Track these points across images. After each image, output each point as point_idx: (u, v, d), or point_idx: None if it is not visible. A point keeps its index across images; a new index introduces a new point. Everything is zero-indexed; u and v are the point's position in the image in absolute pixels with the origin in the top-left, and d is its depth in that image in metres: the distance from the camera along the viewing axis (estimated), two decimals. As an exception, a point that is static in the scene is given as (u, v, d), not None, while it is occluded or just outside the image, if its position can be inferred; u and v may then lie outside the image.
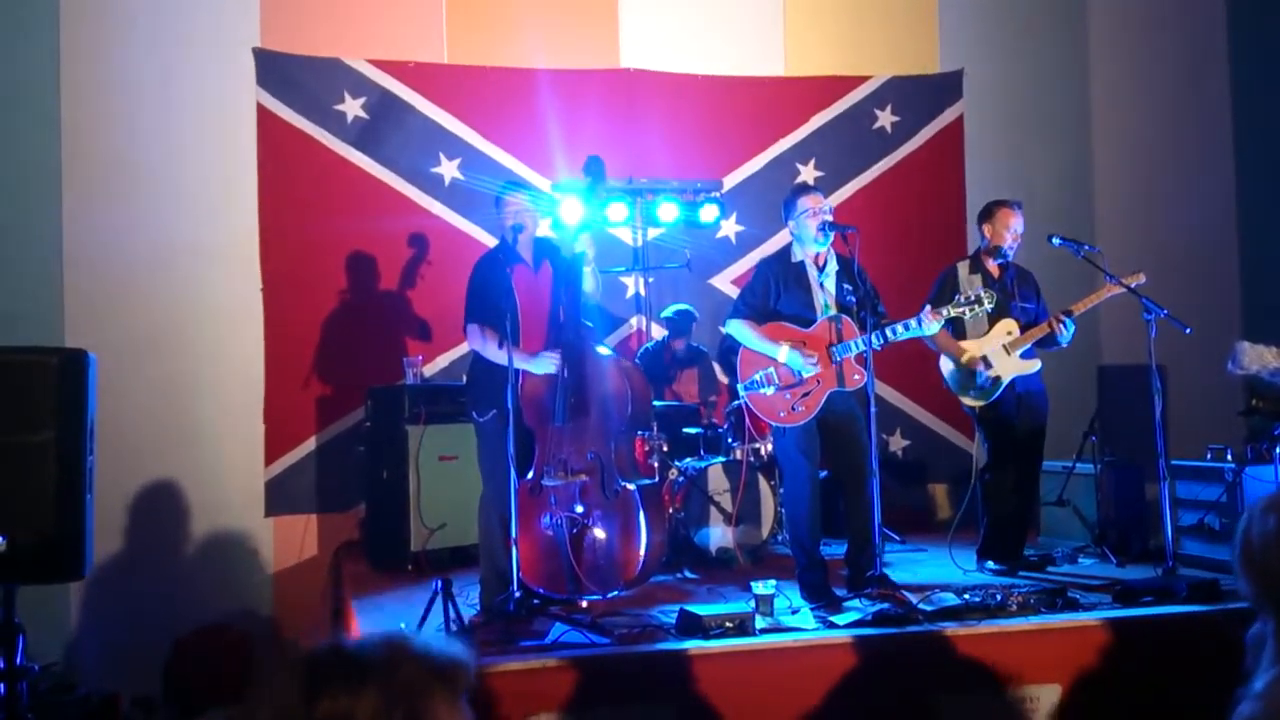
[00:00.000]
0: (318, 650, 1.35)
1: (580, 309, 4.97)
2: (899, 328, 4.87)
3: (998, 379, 5.40)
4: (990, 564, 5.43)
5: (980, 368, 5.38)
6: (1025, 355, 5.45)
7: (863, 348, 4.80)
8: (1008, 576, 5.24)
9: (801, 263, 5.04)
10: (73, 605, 6.05)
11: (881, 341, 4.83)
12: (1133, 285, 5.31)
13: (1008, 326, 5.44)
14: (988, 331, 5.45)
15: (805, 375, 4.87)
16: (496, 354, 4.77)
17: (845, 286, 5.01)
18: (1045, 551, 5.76)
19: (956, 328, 5.44)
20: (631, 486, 4.91)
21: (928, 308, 4.93)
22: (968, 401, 5.49)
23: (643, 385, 5.16)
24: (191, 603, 6.25)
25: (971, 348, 5.43)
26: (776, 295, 5.02)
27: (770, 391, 4.95)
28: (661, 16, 7.46)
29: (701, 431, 6.34)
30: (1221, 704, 4.18)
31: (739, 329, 5.05)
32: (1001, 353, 5.41)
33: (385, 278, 6.88)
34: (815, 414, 4.88)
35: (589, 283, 5.02)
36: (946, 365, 5.52)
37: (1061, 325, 5.34)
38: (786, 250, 5.17)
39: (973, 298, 4.89)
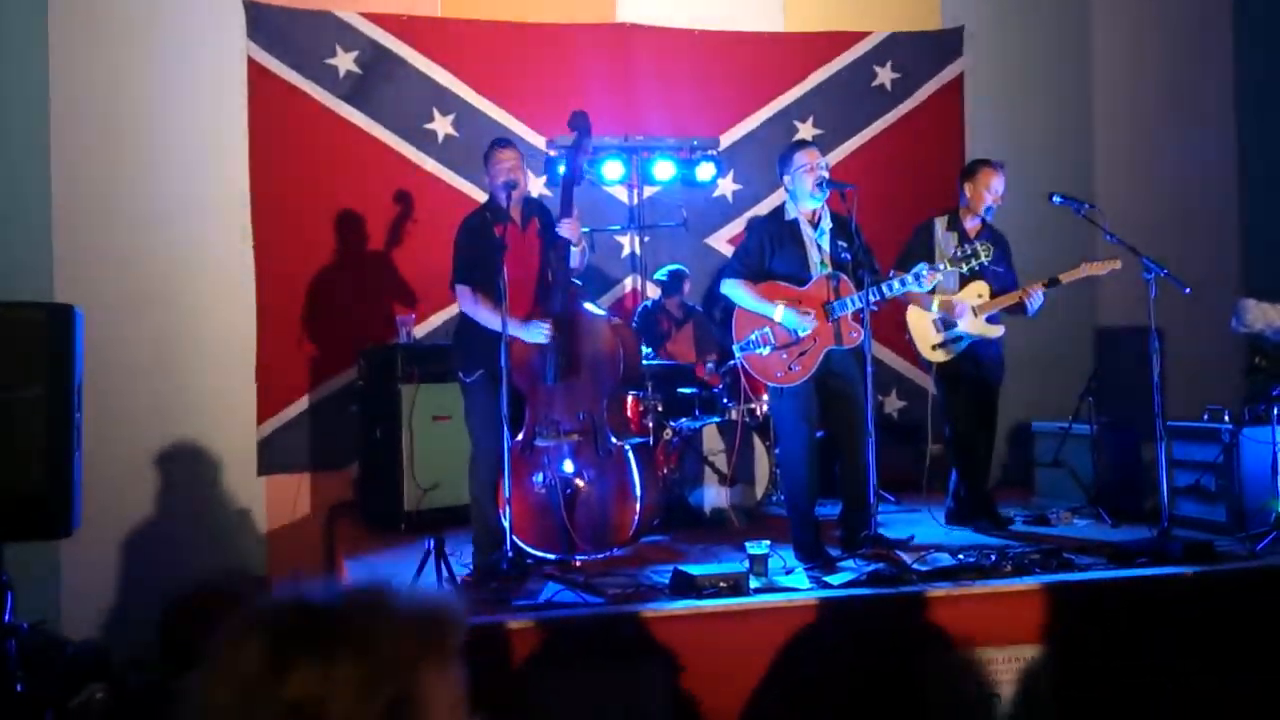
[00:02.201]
0: (281, 605, 1.13)
1: (569, 268, 4.91)
2: (895, 284, 4.83)
3: (964, 336, 5.39)
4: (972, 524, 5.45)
5: (954, 315, 5.37)
6: (990, 320, 5.45)
7: (859, 305, 4.76)
8: (996, 534, 5.28)
9: (795, 220, 4.98)
10: (62, 563, 6.03)
11: (878, 298, 4.79)
12: (1104, 272, 5.33)
13: (979, 289, 5.45)
14: (958, 291, 5.43)
15: (801, 334, 4.83)
16: (487, 316, 4.72)
17: (840, 244, 4.95)
18: (1040, 512, 5.76)
19: None
20: (625, 445, 4.88)
21: (924, 265, 4.89)
22: (932, 356, 5.49)
23: (633, 343, 5.12)
24: (183, 561, 6.24)
25: (944, 305, 5.43)
26: (771, 254, 4.96)
27: (766, 351, 4.91)
28: (659, -29, 7.35)
29: (696, 391, 6.31)
30: (1216, 664, 4.20)
31: (734, 289, 4.99)
32: (969, 312, 5.40)
33: (378, 235, 6.82)
34: (812, 373, 4.84)
35: (576, 260, 4.96)
36: (918, 318, 5.50)
37: (1030, 297, 5.31)
38: (780, 209, 5.11)
39: (969, 251, 4.86)
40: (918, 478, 5.76)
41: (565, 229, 4.89)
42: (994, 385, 5.60)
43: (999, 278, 5.51)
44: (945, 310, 5.41)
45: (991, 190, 5.46)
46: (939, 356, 5.50)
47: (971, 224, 5.54)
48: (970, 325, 5.42)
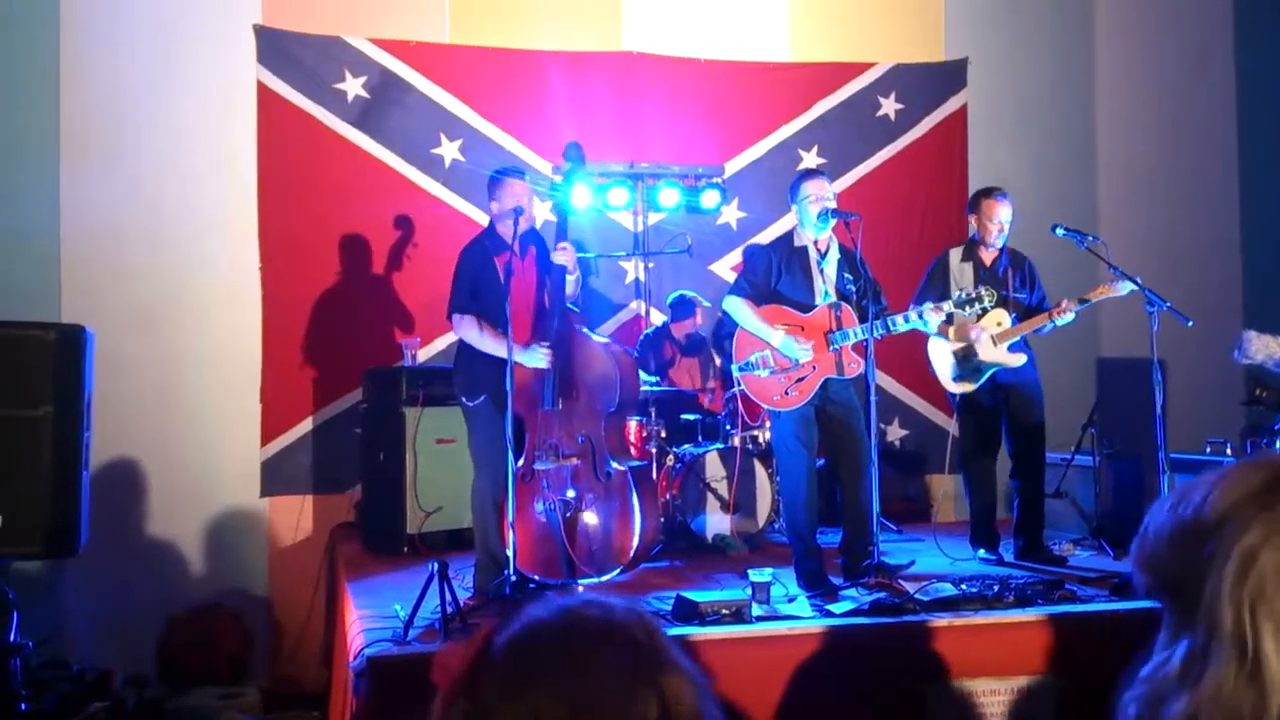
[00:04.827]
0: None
1: (564, 293, 4.96)
2: (899, 320, 4.85)
3: (982, 367, 5.39)
4: (982, 552, 5.45)
5: (970, 353, 5.36)
6: (1013, 348, 5.42)
7: (861, 336, 4.79)
8: (1026, 564, 5.27)
9: (804, 248, 5.03)
10: (67, 582, 6.04)
11: (882, 332, 4.81)
12: (1122, 292, 5.27)
13: (997, 317, 5.41)
14: (978, 320, 5.42)
15: (800, 361, 4.84)
16: (491, 345, 4.76)
17: (846, 275, 5.00)
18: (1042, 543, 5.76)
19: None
20: (623, 468, 4.90)
21: (928, 303, 4.92)
22: (954, 387, 5.48)
23: (630, 367, 5.15)
24: (186, 581, 6.25)
25: (959, 333, 5.42)
26: (777, 277, 5.00)
27: (765, 374, 4.93)
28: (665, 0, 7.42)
29: (699, 418, 6.33)
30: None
31: (737, 307, 5.02)
32: (988, 342, 5.38)
33: (384, 259, 6.85)
34: (809, 401, 4.86)
35: (570, 288, 5.00)
36: (937, 350, 5.50)
37: (1061, 315, 5.30)
38: (790, 234, 5.15)
39: (972, 295, 4.85)
40: (920, 506, 5.78)
41: (559, 256, 4.93)
42: (1031, 419, 5.47)
43: (1020, 302, 5.50)
44: (961, 337, 5.40)
45: (996, 220, 5.46)
46: (960, 388, 5.46)
47: (987, 253, 5.53)
48: (990, 354, 5.38)
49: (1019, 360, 5.42)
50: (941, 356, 5.49)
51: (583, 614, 1.24)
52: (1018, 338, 5.40)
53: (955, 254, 5.58)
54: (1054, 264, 6.14)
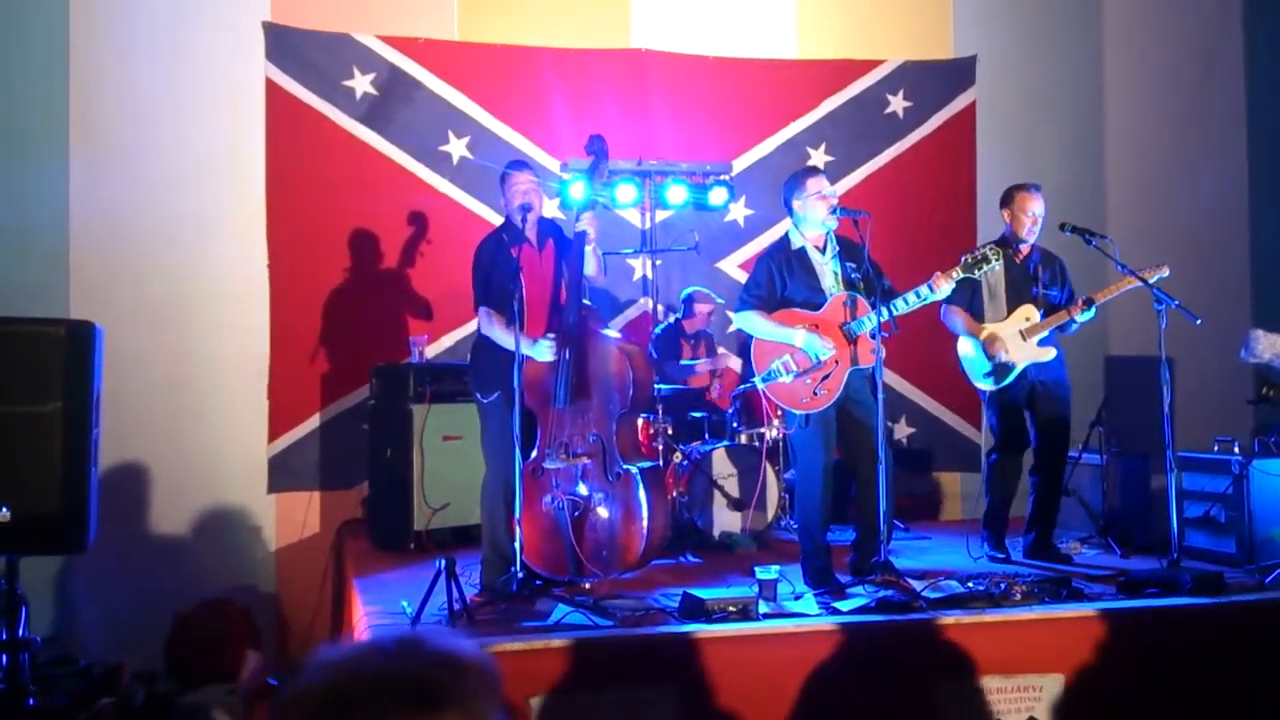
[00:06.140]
0: (386, 670, 1.22)
1: (581, 289, 4.94)
2: (910, 296, 4.78)
3: (1011, 364, 5.37)
4: (988, 549, 5.44)
5: (1000, 349, 5.35)
6: (1042, 343, 5.41)
7: (873, 323, 4.74)
8: (1033, 562, 5.27)
9: (803, 248, 4.99)
10: (75, 577, 6.05)
11: (889, 314, 4.75)
12: (1153, 280, 5.18)
13: (1026, 312, 5.40)
14: (1007, 316, 5.42)
15: (823, 358, 4.81)
16: (502, 337, 4.75)
17: (849, 264, 4.95)
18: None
19: (975, 312, 5.43)
20: (633, 469, 4.89)
21: (936, 273, 4.86)
22: (983, 385, 5.47)
23: (644, 367, 5.13)
24: (193, 577, 6.26)
25: (989, 330, 5.40)
26: (782, 284, 4.96)
27: (789, 379, 4.88)
28: (673, -3, 7.43)
29: (706, 415, 6.32)
30: (1224, 696, 4.19)
31: (749, 319, 4.98)
32: (1017, 338, 5.37)
33: (392, 256, 6.86)
34: (837, 397, 4.84)
35: (591, 264, 4.97)
36: (966, 347, 5.49)
37: (1078, 313, 5.29)
38: (785, 239, 5.10)
39: (979, 256, 4.81)
40: (928, 504, 5.77)
41: (582, 223, 4.92)
42: (1058, 416, 5.46)
43: (1051, 299, 5.48)
44: (988, 346, 5.40)
45: (1029, 214, 5.44)
46: (989, 386, 5.45)
47: (1018, 249, 5.52)
48: (1020, 352, 5.37)
49: (1050, 354, 5.41)
50: (970, 354, 5.48)
51: (351, 671, 1.23)
52: (1046, 332, 5.38)
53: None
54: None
